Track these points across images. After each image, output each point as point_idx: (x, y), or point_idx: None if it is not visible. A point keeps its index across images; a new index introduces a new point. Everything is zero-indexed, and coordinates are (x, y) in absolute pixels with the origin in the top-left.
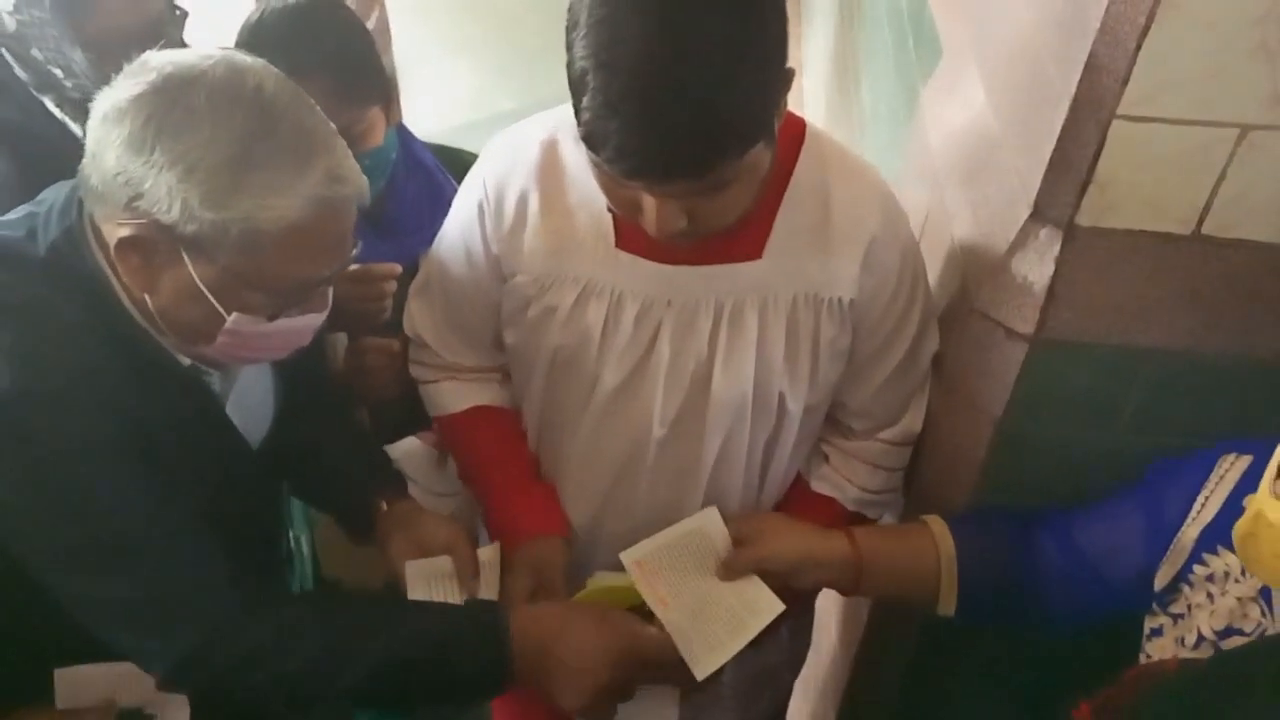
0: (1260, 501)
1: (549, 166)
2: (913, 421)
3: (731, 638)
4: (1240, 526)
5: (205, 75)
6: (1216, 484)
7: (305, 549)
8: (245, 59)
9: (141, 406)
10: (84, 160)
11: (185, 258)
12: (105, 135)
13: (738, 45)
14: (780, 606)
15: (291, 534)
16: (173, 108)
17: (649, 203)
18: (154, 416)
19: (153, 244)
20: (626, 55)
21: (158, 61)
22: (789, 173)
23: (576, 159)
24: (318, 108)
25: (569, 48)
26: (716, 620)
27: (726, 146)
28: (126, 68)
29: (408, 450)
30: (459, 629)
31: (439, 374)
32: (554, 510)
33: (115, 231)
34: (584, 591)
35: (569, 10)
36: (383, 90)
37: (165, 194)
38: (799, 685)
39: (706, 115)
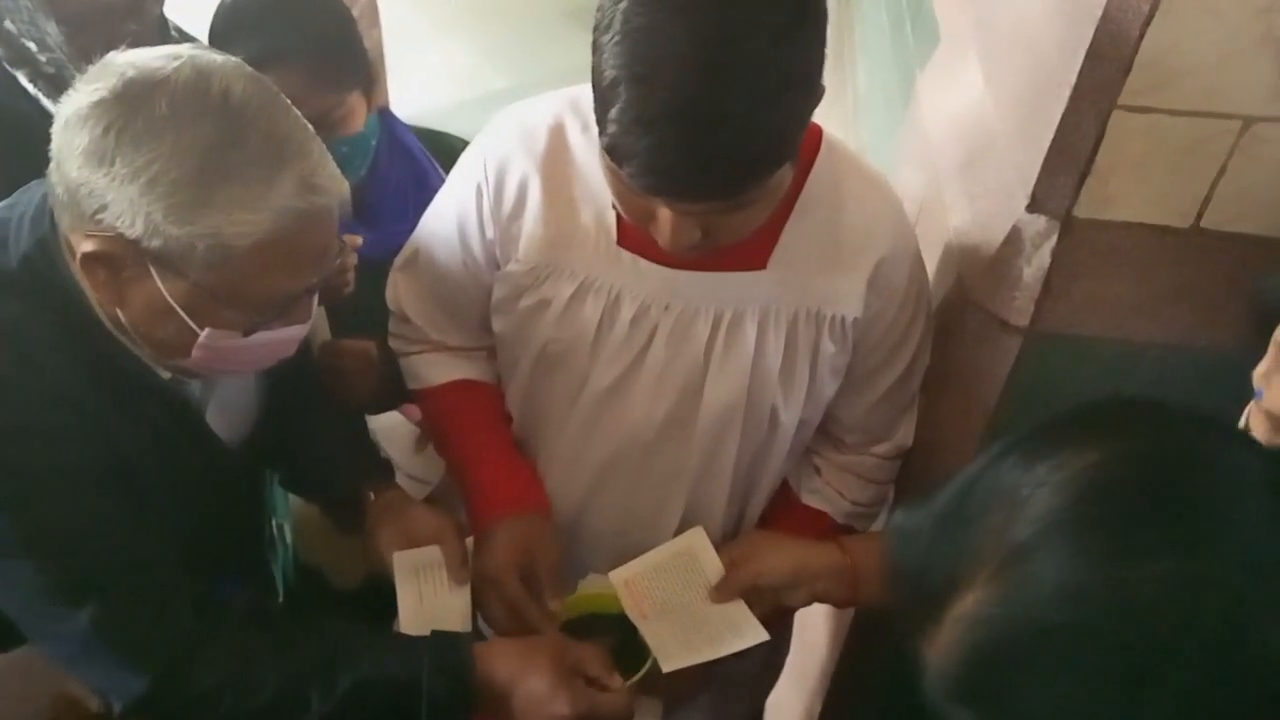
0: None
1: (554, 154)
2: (905, 435)
3: (709, 648)
4: None
5: (168, 80)
6: None
7: (288, 536)
8: (214, 59)
9: (117, 429)
10: (50, 167)
11: (153, 272)
12: (67, 143)
13: (784, 68)
14: (764, 635)
15: (274, 521)
16: (133, 116)
17: (665, 215)
18: (130, 437)
19: (119, 258)
20: (666, 71)
21: (120, 64)
22: (801, 183)
23: (584, 148)
24: (293, 110)
25: (596, 49)
26: (696, 633)
27: (759, 170)
28: (90, 70)
29: (388, 425)
30: (420, 666)
31: (421, 346)
32: (538, 487)
33: (80, 244)
34: (573, 596)
35: (599, 9)
36: (363, 74)
37: (128, 208)
38: (789, 677)
39: (745, 139)
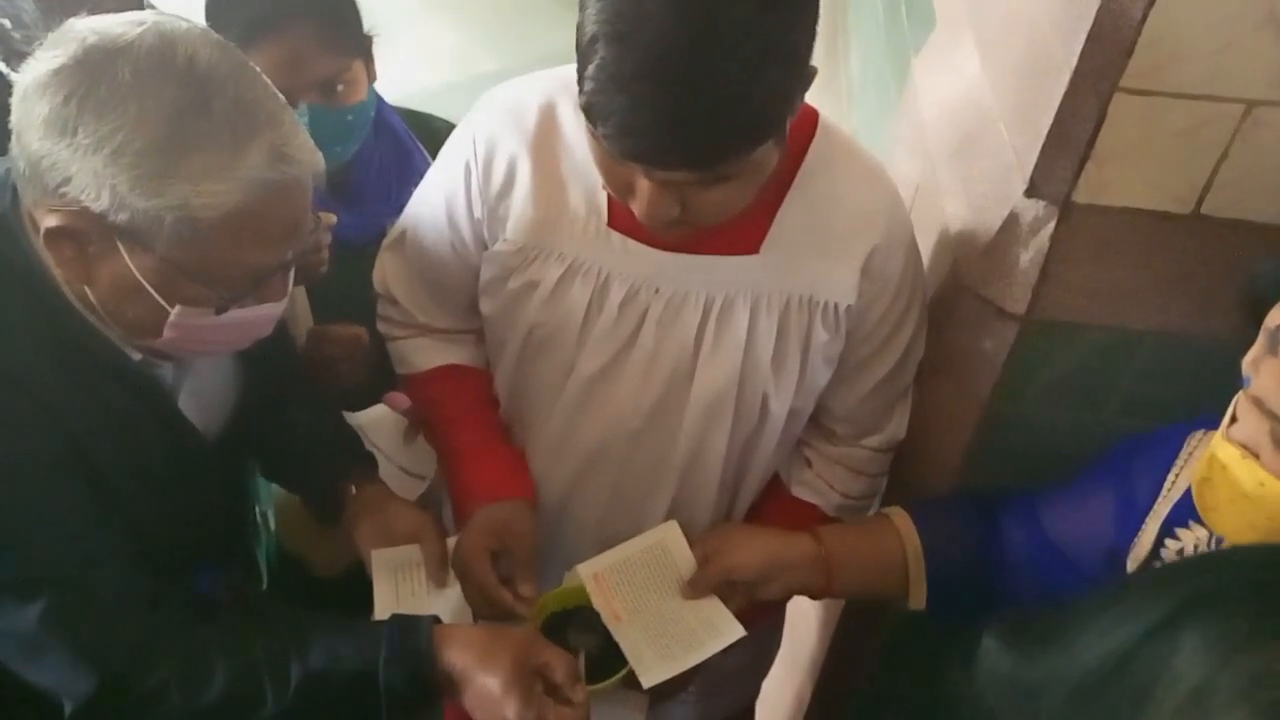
0: (1215, 445)
1: (545, 133)
2: (898, 428)
3: (686, 654)
4: (1197, 470)
5: (132, 46)
6: (1186, 460)
7: (272, 524)
8: (179, 25)
9: (81, 415)
10: (11, 140)
11: (120, 248)
12: (27, 114)
13: (768, 37)
14: (741, 631)
15: (258, 509)
16: (95, 83)
17: (643, 185)
18: (95, 424)
19: (85, 233)
20: (646, 30)
21: (81, 29)
22: (795, 167)
23: (575, 128)
24: (263, 78)
25: (581, 6)
26: (673, 638)
27: (737, 141)
28: (50, 36)
29: (375, 418)
30: (377, 655)
31: (409, 331)
32: (522, 473)
33: (44, 219)
34: (557, 589)
35: None
36: (364, 43)
37: (92, 180)
38: (780, 665)
39: (723, 106)
